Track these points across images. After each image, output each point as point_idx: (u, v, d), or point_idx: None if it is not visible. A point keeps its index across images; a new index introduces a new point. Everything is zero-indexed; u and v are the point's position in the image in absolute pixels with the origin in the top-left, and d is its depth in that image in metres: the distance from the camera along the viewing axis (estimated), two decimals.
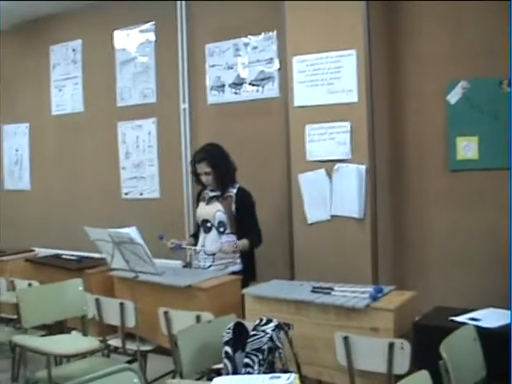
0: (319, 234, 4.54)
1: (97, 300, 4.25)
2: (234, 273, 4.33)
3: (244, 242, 4.40)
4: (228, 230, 4.43)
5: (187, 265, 4.59)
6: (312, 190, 4.56)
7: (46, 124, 6.84)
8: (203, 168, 4.44)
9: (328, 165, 4.46)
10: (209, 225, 4.50)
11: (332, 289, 3.66)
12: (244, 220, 4.43)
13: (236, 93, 5.31)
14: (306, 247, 4.62)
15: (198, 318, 3.61)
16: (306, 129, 4.57)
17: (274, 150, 5.09)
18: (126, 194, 6.10)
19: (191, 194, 5.54)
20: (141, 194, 5.98)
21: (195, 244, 4.59)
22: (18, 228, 7.10)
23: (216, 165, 4.42)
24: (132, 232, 3.84)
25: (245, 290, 3.88)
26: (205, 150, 4.49)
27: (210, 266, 4.47)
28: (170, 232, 5.51)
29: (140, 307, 3.95)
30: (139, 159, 5.99)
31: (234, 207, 4.43)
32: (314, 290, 3.67)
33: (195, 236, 4.69)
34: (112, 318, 4.18)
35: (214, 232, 4.47)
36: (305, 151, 4.58)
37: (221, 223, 4.44)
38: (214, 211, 4.46)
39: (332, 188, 4.45)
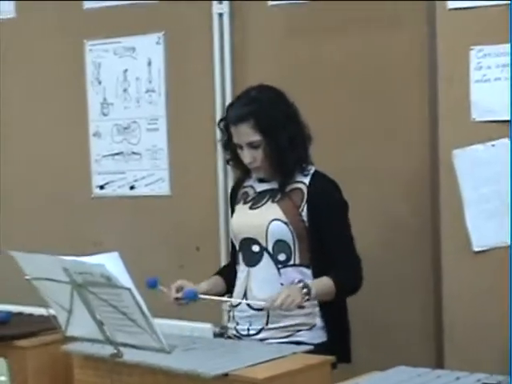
0: (493, 274, 2.91)
1: None
2: (309, 346, 2.74)
3: (325, 284, 2.80)
4: (296, 259, 2.82)
5: (223, 331, 2.98)
6: (480, 182, 3.03)
7: None
8: (246, 135, 2.77)
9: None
10: (256, 249, 2.84)
11: None
12: (326, 236, 2.82)
13: None
14: (467, 304, 3.00)
15: None
16: (471, 55, 2.91)
17: (402, 100, 3.32)
18: (102, 187, 3.98)
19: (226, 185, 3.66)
20: (131, 188, 3.92)
21: (228, 289, 2.95)
22: None
23: (271, 129, 2.75)
24: (110, 261, 2.29)
25: None
26: (249, 100, 2.79)
27: (261, 330, 2.78)
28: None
29: None
30: (129, 117, 3.87)
31: (305, 211, 2.79)
32: None
33: (229, 268, 3.04)
34: None
35: (266, 262, 2.85)
36: (468, 102, 2.92)
37: (281, 244, 2.81)
38: (266, 221, 2.81)
39: None
